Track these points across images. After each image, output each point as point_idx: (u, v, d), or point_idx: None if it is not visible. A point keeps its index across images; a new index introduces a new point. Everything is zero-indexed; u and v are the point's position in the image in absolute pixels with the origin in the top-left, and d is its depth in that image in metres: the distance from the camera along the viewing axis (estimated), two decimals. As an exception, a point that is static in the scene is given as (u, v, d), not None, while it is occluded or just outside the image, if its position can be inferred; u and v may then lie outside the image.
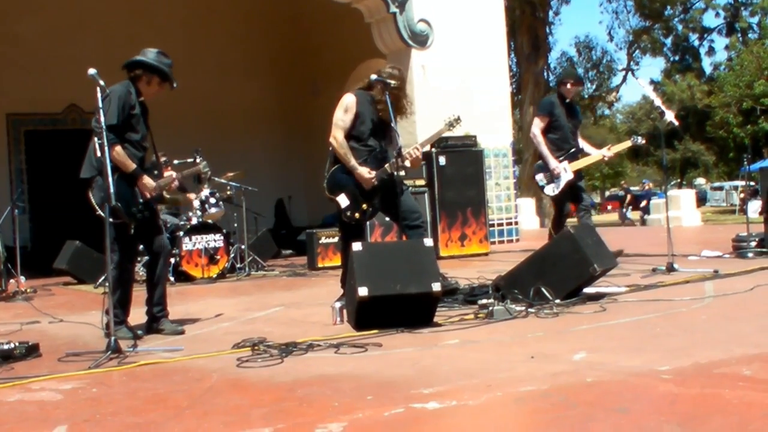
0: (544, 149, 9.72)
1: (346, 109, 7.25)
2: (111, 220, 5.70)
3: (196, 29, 19.25)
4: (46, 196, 17.36)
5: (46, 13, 17.90)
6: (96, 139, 5.73)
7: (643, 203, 34.95)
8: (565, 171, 9.63)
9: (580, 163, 9.79)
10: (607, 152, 9.94)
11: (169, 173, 6.58)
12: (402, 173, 7.23)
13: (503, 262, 10.18)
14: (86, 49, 16.39)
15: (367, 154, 7.24)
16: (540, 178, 9.80)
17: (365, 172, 7.15)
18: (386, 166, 7.18)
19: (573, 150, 9.76)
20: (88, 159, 6.21)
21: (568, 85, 9.95)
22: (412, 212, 7.32)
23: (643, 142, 11.16)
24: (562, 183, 9.62)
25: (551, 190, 9.72)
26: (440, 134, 7.67)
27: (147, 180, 6.25)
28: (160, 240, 6.52)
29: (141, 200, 6.24)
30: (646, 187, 39.23)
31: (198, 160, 7.09)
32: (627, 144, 10.30)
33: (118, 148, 6.01)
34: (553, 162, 9.63)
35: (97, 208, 6.10)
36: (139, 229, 6.29)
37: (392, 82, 7.19)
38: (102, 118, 5.54)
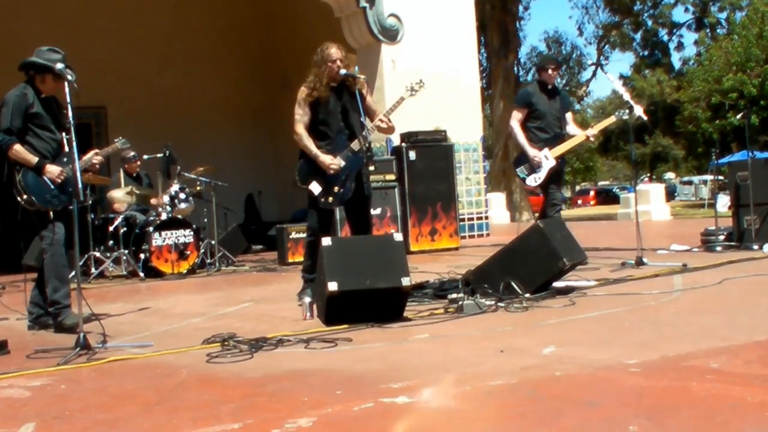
0: (521, 140, 9.20)
1: (300, 102, 7.34)
2: (29, 207, 6.46)
3: (165, 22, 19.10)
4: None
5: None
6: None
7: None
8: (546, 158, 9.09)
9: (562, 148, 9.22)
10: (591, 131, 9.39)
11: (90, 155, 6.96)
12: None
13: (473, 256, 10.20)
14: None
15: (331, 143, 7.30)
16: (521, 170, 9.28)
17: (327, 159, 7.20)
18: (352, 144, 7.24)
19: (554, 136, 9.23)
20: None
21: (549, 71, 9.38)
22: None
23: (629, 114, 9.37)
24: (544, 171, 9.11)
25: (533, 180, 9.17)
26: (402, 101, 7.55)
27: (49, 167, 6.52)
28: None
29: (53, 187, 6.50)
30: None
31: (120, 144, 7.58)
32: (611, 120, 9.64)
33: (17, 147, 6.43)
34: (531, 151, 9.10)
35: (21, 201, 6.49)
36: (59, 214, 6.57)
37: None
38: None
